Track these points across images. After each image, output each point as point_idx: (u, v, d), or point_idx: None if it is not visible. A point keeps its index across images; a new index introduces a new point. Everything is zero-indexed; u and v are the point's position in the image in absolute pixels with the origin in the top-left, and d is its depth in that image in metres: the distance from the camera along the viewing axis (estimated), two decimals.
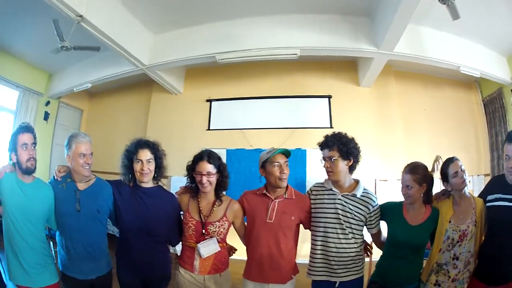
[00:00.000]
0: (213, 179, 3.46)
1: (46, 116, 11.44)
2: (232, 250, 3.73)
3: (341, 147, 3.44)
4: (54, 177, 3.55)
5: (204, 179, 3.38)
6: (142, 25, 8.49)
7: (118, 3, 7.51)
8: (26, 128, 3.39)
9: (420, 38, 7.56)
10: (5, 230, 3.30)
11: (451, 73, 8.70)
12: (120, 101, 12.54)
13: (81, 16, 6.34)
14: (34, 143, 3.40)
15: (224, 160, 9.22)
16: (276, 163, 3.51)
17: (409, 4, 5.72)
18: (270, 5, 7.57)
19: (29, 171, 3.33)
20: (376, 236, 3.73)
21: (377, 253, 3.83)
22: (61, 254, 3.46)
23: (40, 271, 3.34)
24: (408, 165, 3.54)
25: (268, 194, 3.58)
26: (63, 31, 6.68)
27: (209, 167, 3.43)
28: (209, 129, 10.37)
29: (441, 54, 7.67)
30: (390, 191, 7.53)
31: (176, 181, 8.77)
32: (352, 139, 3.56)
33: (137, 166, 3.43)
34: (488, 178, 4.38)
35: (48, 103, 11.50)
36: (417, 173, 3.42)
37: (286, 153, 3.59)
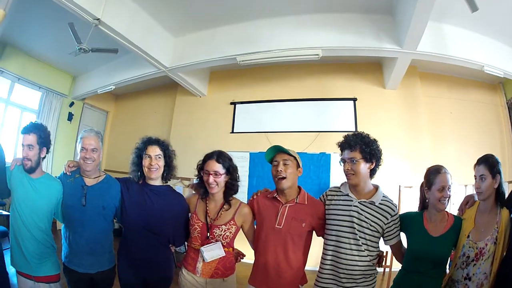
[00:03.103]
0: (221, 179, 3.33)
1: (70, 117, 11.73)
2: (240, 255, 3.60)
3: (364, 148, 3.21)
4: (64, 171, 3.61)
5: (211, 178, 3.27)
6: (163, 28, 8.57)
7: (137, 6, 7.60)
8: (26, 129, 3.44)
9: (443, 36, 7.39)
10: (11, 219, 3.42)
11: (475, 73, 8.53)
12: (145, 103, 12.74)
13: (98, 19, 6.44)
14: (40, 144, 3.44)
15: (247, 163, 9.25)
16: (275, 162, 3.40)
17: None
18: (291, 6, 7.51)
19: (25, 169, 3.40)
20: (396, 248, 3.46)
21: (397, 265, 3.65)
22: (64, 246, 3.51)
23: (41, 261, 3.43)
24: (436, 166, 3.31)
25: (278, 198, 3.41)
26: (84, 33, 6.78)
27: (217, 167, 3.30)
28: (233, 131, 10.37)
29: (464, 53, 7.47)
30: (415, 198, 7.39)
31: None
32: (375, 140, 3.33)
33: (145, 162, 3.42)
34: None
35: (72, 104, 11.79)
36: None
37: (280, 150, 3.41)
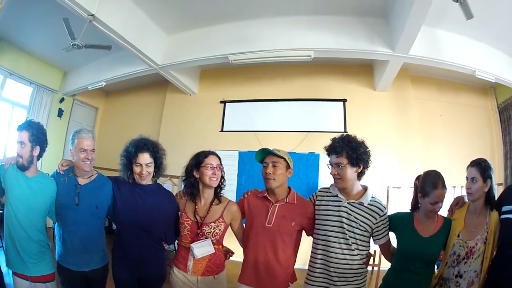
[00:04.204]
0: (220, 173, 3.43)
1: (60, 113, 11.63)
2: (229, 253, 3.63)
3: (350, 153, 3.22)
4: (57, 170, 3.58)
5: (216, 171, 3.35)
6: (156, 26, 8.56)
7: (132, 3, 7.58)
8: (20, 126, 3.43)
9: (435, 41, 7.46)
10: (6, 219, 3.36)
11: (467, 78, 8.55)
12: (135, 101, 12.67)
13: (92, 15, 6.43)
14: (32, 141, 3.39)
15: (236, 162, 9.28)
16: (265, 163, 3.44)
17: (422, 4, 5.66)
18: (284, 7, 7.55)
19: (17, 166, 3.38)
20: (384, 247, 3.50)
21: (385, 264, 3.69)
22: (58, 245, 3.49)
23: (37, 261, 3.39)
24: (433, 178, 3.24)
25: (268, 197, 3.46)
26: (78, 29, 6.76)
27: (219, 160, 3.45)
28: (222, 130, 10.38)
29: (456, 58, 7.56)
30: (403, 199, 7.43)
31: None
32: (362, 143, 3.35)
33: (136, 169, 3.40)
34: (501, 188, 4.19)
35: (62, 100, 11.70)
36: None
37: (269, 152, 3.44)
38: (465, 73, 7.88)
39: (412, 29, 6.35)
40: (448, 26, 7.37)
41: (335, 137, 3.41)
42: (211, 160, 3.38)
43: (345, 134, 3.45)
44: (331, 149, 3.35)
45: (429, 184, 3.24)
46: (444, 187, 3.20)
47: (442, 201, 3.20)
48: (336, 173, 3.28)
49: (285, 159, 3.39)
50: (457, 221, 3.30)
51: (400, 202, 7.53)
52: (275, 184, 3.35)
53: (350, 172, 3.25)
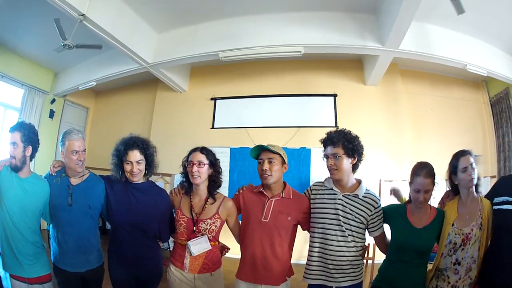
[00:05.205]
0: (204, 169, 3.40)
1: (51, 114, 11.53)
2: (225, 249, 3.65)
3: (346, 144, 3.30)
4: (49, 171, 3.59)
5: (195, 167, 3.33)
6: (146, 24, 8.50)
7: (122, 2, 7.53)
8: (12, 128, 3.46)
9: (426, 35, 7.50)
10: (1, 221, 3.37)
11: (458, 72, 8.63)
12: (126, 99, 12.60)
13: (83, 15, 6.39)
14: (24, 141, 3.41)
15: (228, 158, 9.27)
16: (260, 160, 3.45)
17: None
18: (274, 3, 7.54)
19: (11, 167, 3.39)
20: (379, 239, 3.55)
21: (380, 256, 3.72)
22: (53, 246, 3.51)
23: (33, 262, 3.41)
24: (420, 167, 3.32)
25: (264, 192, 3.47)
26: (68, 30, 6.73)
27: (201, 157, 3.39)
28: (213, 127, 10.36)
29: (447, 52, 7.59)
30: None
31: (180, 179, 8.71)
32: (356, 136, 3.42)
33: (127, 167, 3.40)
34: (495, 180, 4.27)
35: (53, 101, 11.60)
36: (433, 175, 3.28)
37: (264, 148, 3.45)
38: (456, 67, 7.93)
39: (402, 24, 6.38)
40: (439, 21, 7.41)
41: (330, 131, 3.47)
42: (192, 157, 3.40)
43: (339, 128, 3.51)
44: (328, 140, 3.41)
45: (415, 171, 3.32)
46: (428, 176, 3.25)
47: (426, 192, 3.25)
48: (332, 163, 3.32)
49: (280, 155, 3.41)
50: (450, 212, 3.34)
51: (392, 195, 7.58)
52: (272, 180, 3.38)
53: (346, 163, 3.32)
